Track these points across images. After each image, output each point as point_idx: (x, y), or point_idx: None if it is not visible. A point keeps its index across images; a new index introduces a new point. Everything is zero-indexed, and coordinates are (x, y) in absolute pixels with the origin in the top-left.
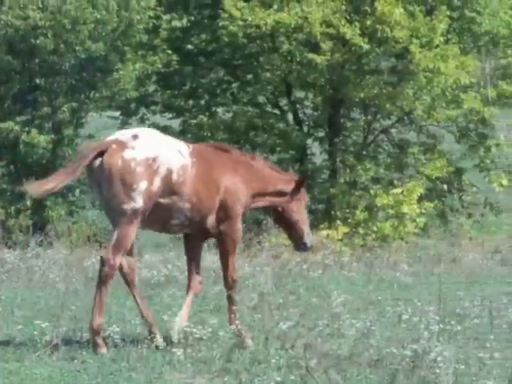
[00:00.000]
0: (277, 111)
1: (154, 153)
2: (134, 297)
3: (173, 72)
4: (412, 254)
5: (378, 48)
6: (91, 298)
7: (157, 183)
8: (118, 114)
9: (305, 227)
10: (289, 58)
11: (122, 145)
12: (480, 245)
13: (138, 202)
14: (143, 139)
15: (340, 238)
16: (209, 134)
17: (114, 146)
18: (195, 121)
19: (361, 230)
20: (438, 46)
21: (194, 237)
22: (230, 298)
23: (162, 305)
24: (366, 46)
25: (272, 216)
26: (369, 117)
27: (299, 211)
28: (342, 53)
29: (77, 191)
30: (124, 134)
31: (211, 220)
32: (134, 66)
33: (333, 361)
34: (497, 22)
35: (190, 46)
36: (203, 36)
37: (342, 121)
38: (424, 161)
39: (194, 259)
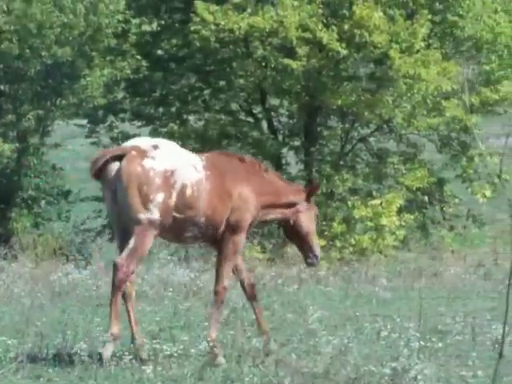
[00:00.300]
0: (251, 119)
1: (172, 166)
2: (128, 311)
3: (142, 78)
4: (391, 267)
5: (356, 53)
6: (57, 313)
7: (173, 197)
8: (85, 122)
9: (315, 239)
10: (263, 64)
11: (143, 153)
12: (462, 258)
13: (155, 214)
14: (164, 150)
15: None
16: (180, 143)
17: (133, 152)
18: (165, 129)
19: (338, 243)
20: (418, 51)
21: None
22: (215, 306)
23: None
24: (344, 52)
25: (282, 229)
26: (346, 125)
27: (309, 222)
28: (318, 58)
29: (42, 202)
30: (144, 143)
31: (222, 228)
32: (102, 72)
33: (308, 379)
34: (480, 26)
35: (160, 52)
36: (174, 41)
37: (318, 129)
38: (404, 171)
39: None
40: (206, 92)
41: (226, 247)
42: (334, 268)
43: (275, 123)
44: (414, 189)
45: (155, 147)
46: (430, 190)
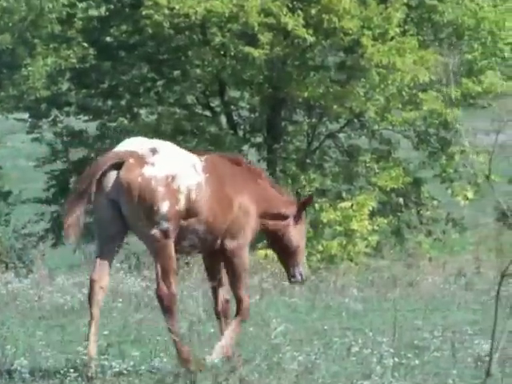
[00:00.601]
0: (208, 113)
1: (173, 170)
2: (91, 319)
3: (89, 68)
4: (363, 277)
5: (324, 41)
6: None
7: (181, 202)
8: (26, 115)
9: (303, 256)
10: (222, 52)
11: (141, 160)
12: (441, 266)
13: (164, 224)
14: (163, 154)
15: None
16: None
17: (131, 160)
18: (115, 124)
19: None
20: (393, 38)
21: (212, 255)
22: (236, 325)
23: (77, 335)
24: (311, 39)
25: (268, 241)
26: (313, 120)
27: (300, 237)
28: (282, 46)
29: None
30: (141, 146)
31: (220, 241)
32: (45, 61)
33: None
34: (461, 10)
35: (108, 39)
36: (124, 27)
37: (282, 124)
38: (377, 170)
39: (215, 280)
40: (159, 83)
41: (233, 265)
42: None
43: (235, 117)
44: (388, 190)
45: (154, 151)
46: (406, 192)
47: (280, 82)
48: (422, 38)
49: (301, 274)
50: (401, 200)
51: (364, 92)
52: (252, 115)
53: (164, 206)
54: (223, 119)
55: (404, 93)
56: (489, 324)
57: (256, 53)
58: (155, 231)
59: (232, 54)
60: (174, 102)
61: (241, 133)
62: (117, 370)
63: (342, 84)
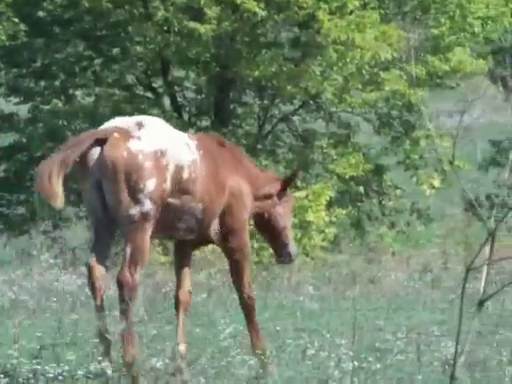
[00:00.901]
0: (150, 94)
1: (162, 145)
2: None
3: (20, 45)
4: (319, 273)
5: (276, 15)
6: None
7: (168, 181)
8: None
9: (290, 234)
10: (165, 28)
11: (126, 134)
12: (405, 262)
13: (147, 205)
14: (150, 128)
15: None
16: (65, 123)
17: (116, 134)
18: (48, 107)
19: (255, 244)
20: (352, 12)
21: (188, 244)
22: (250, 320)
23: (6, 337)
24: (262, 13)
25: (254, 222)
26: (265, 101)
27: (286, 216)
28: (231, 21)
29: None
30: (125, 122)
31: (215, 225)
32: None
33: None
34: None
35: (41, 13)
36: (58, 0)
37: (231, 106)
38: (335, 156)
39: (184, 268)
40: (97, 62)
41: (236, 259)
42: (252, 273)
43: (179, 99)
44: (347, 178)
45: (139, 125)
46: (367, 180)
47: (228, 61)
48: (384, 12)
49: (289, 254)
50: (361, 189)
51: (320, 71)
52: (198, 97)
53: (150, 184)
54: (166, 101)
55: (364, 72)
56: (455, 324)
57: (202, 28)
58: (135, 211)
59: (176, 29)
60: (113, 82)
61: (186, 116)
62: (51, 375)
63: (296, 62)
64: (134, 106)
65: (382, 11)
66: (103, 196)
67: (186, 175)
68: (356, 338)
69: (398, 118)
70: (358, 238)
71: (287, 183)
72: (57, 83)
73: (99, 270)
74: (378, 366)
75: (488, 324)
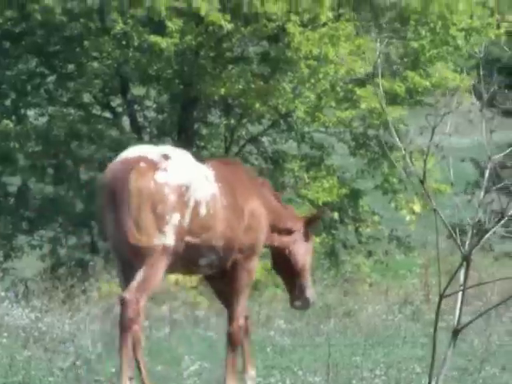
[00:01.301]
0: (108, 114)
1: (186, 179)
2: (137, 361)
3: None
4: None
5: (243, 28)
6: None
7: (186, 218)
8: None
9: (308, 277)
10: (123, 43)
11: (153, 164)
12: (383, 293)
13: (170, 239)
14: (176, 161)
15: (194, 284)
16: (16, 146)
17: (142, 164)
18: None
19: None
20: (325, 24)
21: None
22: (230, 352)
23: None
24: (228, 26)
25: (273, 258)
26: (232, 121)
27: (306, 256)
28: (195, 35)
29: None
30: (151, 151)
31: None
32: None
33: None
34: None
35: None
36: (8, 12)
37: (195, 126)
38: (307, 180)
39: (226, 300)
40: (50, 79)
41: (239, 278)
42: (216, 306)
43: (140, 119)
44: (321, 203)
45: (166, 157)
46: (341, 205)
47: (192, 77)
48: (360, 24)
49: (307, 300)
50: (336, 215)
51: (291, 88)
52: (159, 116)
53: (175, 218)
54: (126, 121)
55: (338, 88)
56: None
57: (164, 43)
58: (158, 242)
59: (135, 44)
60: (68, 101)
61: (146, 137)
62: None
63: (265, 79)
64: (90, 126)
65: (357, 23)
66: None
67: (203, 211)
68: (331, 376)
69: (375, 137)
70: (332, 268)
71: (311, 222)
72: (7, 102)
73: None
74: None
75: (474, 360)
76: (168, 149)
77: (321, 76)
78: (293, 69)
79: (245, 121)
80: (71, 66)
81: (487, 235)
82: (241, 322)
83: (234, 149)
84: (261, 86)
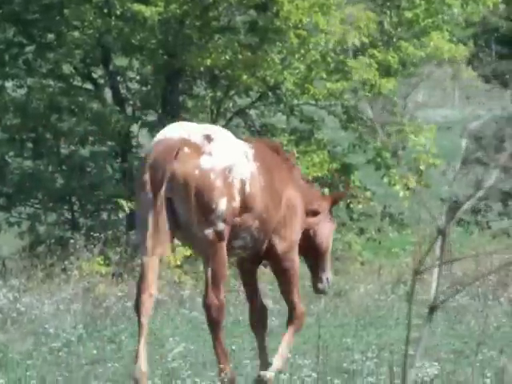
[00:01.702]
0: (89, 86)
1: (230, 161)
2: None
3: None
4: None
5: None
6: None
7: (237, 198)
8: None
9: (329, 258)
10: (105, 11)
11: (197, 149)
12: (376, 272)
13: (220, 225)
14: (219, 142)
15: (179, 263)
16: None
17: (186, 149)
18: None
19: None
20: None
21: (248, 261)
22: (289, 336)
23: None
24: None
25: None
26: (218, 93)
27: (329, 237)
28: (180, 3)
29: None
30: (194, 133)
31: (268, 241)
32: None
33: None
34: None
35: None
36: None
37: (180, 99)
38: (296, 154)
39: (252, 287)
40: (29, 49)
41: (288, 275)
42: (201, 286)
43: (122, 91)
44: (311, 178)
45: (209, 139)
46: (332, 181)
47: (177, 48)
48: None
49: (328, 281)
50: (326, 191)
51: (280, 59)
52: (143, 88)
53: (222, 204)
54: (108, 93)
55: (329, 59)
56: (434, 343)
57: (147, 11)
58: (209, 232)
59: (118, 13)
60: (48, 72)
61: (129, 110)
62: None
63: (253, 49)
64: (71, 98)
65: None
66: (168, 214)
67: (247, 190)
68: (321, 358)
69: (366, 112)
70: None
71: (335, 202)
72: None
73: (150, 290)
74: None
75: (470, 342)
76: (210, 129)
77: (311, 46)
78: (282, 39)
79: (232, 93)
80: (51, 36)
81: (463, 208)
82: (299, 307)
83: (221, 122)
84: (248, 56)
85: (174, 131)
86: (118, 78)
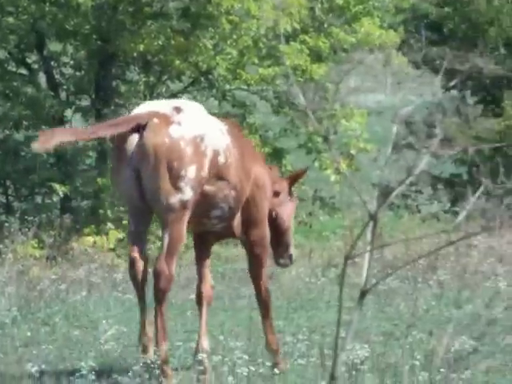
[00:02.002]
0: (24, 71)
1: (201, 130)
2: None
3: None
4: (212, 268)
5: None
6: None
7: (205, 167)
8: None
9: (291, 235)
10: None
11: (166, 119)
12: (307, 256)
13: (187, 193)
14: (188, 113)
15: (112, 246)
16: None
17: (155, 120)
18: None
19: None
20: None
21: (210, 237)
22: (265, 315)
23: None
24: None
25: None
26: (151, 78)
27: (290, 216)
28: None
29: None
30: (161, 106)
31: (237, 217)
32: None
33: None
34: None
35: None
36: None
37: (114, 84)
38: None
39: (205, 261)
40: None
41: (257, 252)
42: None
43: (56, 76)
44: None
45: (178, 110)
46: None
47: (110, 33)
48: None
49: (291, 255)
50: None
51: (212, 44)
52: (77, 73)
53: (191, 171)
54: (42, 78)
55: (261, 45)
56: (364, 325)
57: None
58: (175, 199)
59: None
60: None
61: (63, 95)
62: None
63: (185, 35)
64: (5, 83)
65: None
66: (141, 184)
67: (222, 160)
68: (252, 341)
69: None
70: None
71: (294, 181)
72: None
73: (141, 263)
74: (277, 371)
75: (400, 324)
76: (180, 101)
77: (243, 32)
78: (214, 24)
79: (164, 78)
80: None
81: (394, 193)
82: (265, 284)
83: None
84: (181, 42)
85: (143, 107)
86: (52, 63)
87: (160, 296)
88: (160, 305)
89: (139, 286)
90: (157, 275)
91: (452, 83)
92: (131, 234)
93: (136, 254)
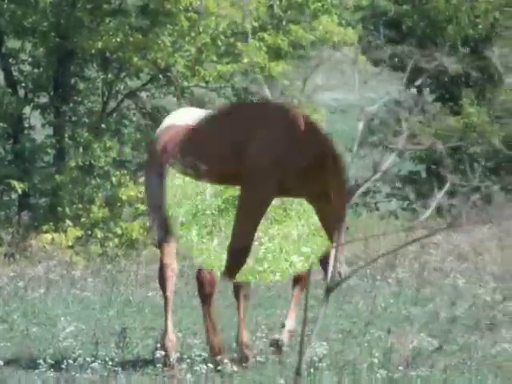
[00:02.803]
0: None
1: None
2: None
3: None
4: None
5: None
6: None
7: None
8: None
9: None
10: None
11: None
12: None
13: None
14: None
15: (70, 244)
16: None
17: None
18: None
19: (99, 233)
20: None
21: None
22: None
23: None
24: None
25: None
26: (110, 75)
27: None
28: None
29: None
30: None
31: None
32: None
33: None
34: None
35: None
36: None
37: (72, 81)
38: None
39: None
40: None
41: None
42: (93, 266)
43: (15, 73)
44: None
45: None
46: None
47: (69, 30)
48: None
49: None
50: None
51: (171, 41)
52: (35, 70)
53: None
54: (0, 76)
55: (219, 42)
56: (325, 323)
57: None
58: None
59: None
60: None
61: (22, 92)
62: None
63: (144, 32)
64: None
65: None
66: None
67: None
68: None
69: (258, 92)
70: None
71: None
72: None
73: (172, 267)
74: (235, 368)
75: (358, 322)
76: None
77: (201, 29)
78: (172, 21)
79: (123, 75)
80: None
81: (359, 191)
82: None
83: (112, 104)
84: (139, 39)
85: (179, 117)
86: (11, 60)
87: (206, 300)
88: (207, 308)
89: (168, 291)
90: (200, 282)
91: (418, 82)
92: (162, 240)
93: (168, 261)
